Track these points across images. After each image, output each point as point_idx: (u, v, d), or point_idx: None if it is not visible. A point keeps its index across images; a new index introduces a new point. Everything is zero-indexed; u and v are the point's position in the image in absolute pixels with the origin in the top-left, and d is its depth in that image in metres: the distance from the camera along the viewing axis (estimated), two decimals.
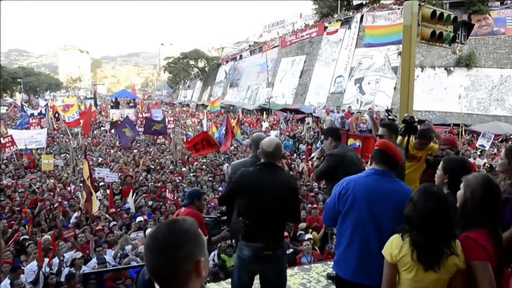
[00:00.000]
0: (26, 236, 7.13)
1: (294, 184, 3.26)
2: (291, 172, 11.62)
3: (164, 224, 1.28)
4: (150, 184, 10.86)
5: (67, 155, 15.75)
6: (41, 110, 24.30)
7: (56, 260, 6.12)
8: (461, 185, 2.27)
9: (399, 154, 2.75)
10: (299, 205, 3.34)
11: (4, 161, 14.54)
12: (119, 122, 20.31)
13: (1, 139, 14.43)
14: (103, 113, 36.09)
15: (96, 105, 39.73)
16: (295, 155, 15.40)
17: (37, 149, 15.69)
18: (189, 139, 19.73)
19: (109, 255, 6.42)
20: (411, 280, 2.11)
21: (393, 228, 2.42)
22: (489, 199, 2.13)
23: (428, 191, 2.15)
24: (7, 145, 14.24)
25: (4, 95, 63.72)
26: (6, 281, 5.38)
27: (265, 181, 2.99)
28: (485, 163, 12.84)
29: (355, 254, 2.59)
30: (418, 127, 4.48)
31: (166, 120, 21.88)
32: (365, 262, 2.55)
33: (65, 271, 5.87)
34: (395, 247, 2.14)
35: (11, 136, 14.58)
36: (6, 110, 38.28)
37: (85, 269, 5.88)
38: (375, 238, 2.52)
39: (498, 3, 26.01)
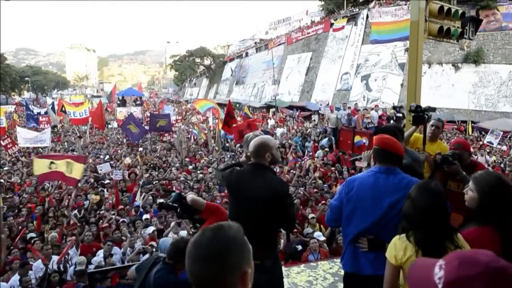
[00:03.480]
0: (33, 234, 7.20)
1: (282, 189, 2.82)
2: (297, 171, 11.56)
3: (208, 230, 1.18)
4: (155, 182, 10.90)
5: (74, 153, 15.91)
6: (47, 109, 24.50)
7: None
8: (470, 183, 2.23)
9: (400, 148, 2.69)
10: (291, 211, 2.90)
11: (13, 159, 14.70)
12: (123, 121, 20.31)
13: (1, 141, 14.63)
14: (109, 110, 36.28)
15: (110, 101, 39.51)
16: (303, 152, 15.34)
17: (44, 147, 15.86)
18: (194, 137, 19.85)
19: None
20: None
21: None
22: (499, 198, 2.10)
23: (426, 187, 2.11)
24: (8, 146, 14.47)
25: (13, 93, 64.33)
26: (16, 277, 5.45)
27: (248, 182, 2.78)
28: (494, 160, 12.73)
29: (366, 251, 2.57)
30: (428, 115, 4.27)
31: (173, 118, 21.89)
32: (377, 255, 2.53)
33: (71, 270, 5.92)
34: (399, 249, 2.07)
35: (9, 137, 14.82)
36: (15, 108, 38.63)
37: (90, 267, 5.93)
38: (380, 234, 2.51)
39: None
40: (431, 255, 1.97)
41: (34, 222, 7.95)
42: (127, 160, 12.13)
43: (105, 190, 10.06)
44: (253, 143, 2.87)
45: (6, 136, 15.53)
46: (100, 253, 6.39)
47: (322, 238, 6.53)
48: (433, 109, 4.40)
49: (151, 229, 7.07)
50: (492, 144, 14.80)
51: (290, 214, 2.88)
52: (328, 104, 26.67)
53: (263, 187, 2.72)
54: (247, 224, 2.63)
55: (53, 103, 24.98)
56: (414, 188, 2.14)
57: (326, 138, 15.13)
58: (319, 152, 13.71)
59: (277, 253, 3.01)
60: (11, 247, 6.42)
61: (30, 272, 5.64)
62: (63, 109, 25.58)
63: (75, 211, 8.36)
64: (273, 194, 2.72)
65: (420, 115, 4.15)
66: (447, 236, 2.01)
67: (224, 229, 1.17)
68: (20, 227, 7.46)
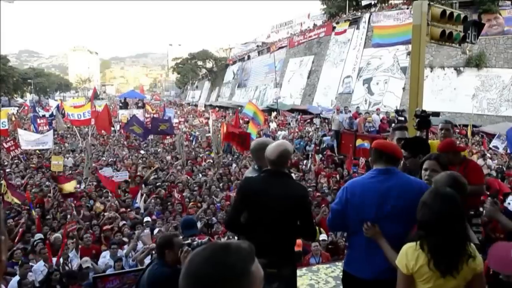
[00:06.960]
0: (40, 235, 7.20)
1: (303, 195, 2.83)
2: (299, 173, 11.59)
3: (209, 248, 1.04)
4: (157, 183, 10.91)
5: (77, 154, 15.99)
6: (52, 112, 24.51)
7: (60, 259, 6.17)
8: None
9: (397, 149, 2.71)
10: (311, 219, 2.87)
11: (15, 161, 14.73)
12: (126, 123, 20.32)
13: (4, 143, 14.66)
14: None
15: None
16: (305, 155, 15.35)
17: (45, 150, 15.96)
18: (197, 139, 19.84)
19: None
20: None
21: (411, 221, 2.33)
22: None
23: (442, 193, 2.08)
24: (11, 148, 14.48)
25: (15, 95, 64.53)
26: (16, 278, 5.44)
27: (268, 190, 2.71)
28: (495, 165, 12.71)
29: (380, 255, 2.48)
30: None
31: (175, 120, 21.91)
32: (377, 259, 2.49)
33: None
34: (410, 258, 2.04)
35: (13, 139, 14.86)
36: (17, 110, 38.69)
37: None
38: (395, 236, 2.43)
39: (509, 2, 25.70)
40: (444, 263, 1.95)
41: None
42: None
43: (109, 192, 10.07)
44: (276, 150, 2.76)
45: (9, 138, 15.57)
46: (106, 254, 6.39)
47: (324, 236, 6.51)
48: (437, 114, 4.46)
49: (147, 231, 7.07)
50: (498, 148, 14.75)
51: (310, 222, 2.85)
52: (334, 106, 26.56)
53: (286, 194, 2.70)
54: (265, 233, 2.68)
55: (58, 106, 24.95)
56: (429, 195, 2.11)
57: (329, 137, 15.15)
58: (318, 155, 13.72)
59: (294, 261, 2.96)
60: (14, 249, 6.43)
61: (30, 274, 5.64)
62: (63, 112, 25.64)
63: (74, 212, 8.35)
64: (297, 200, 2.72)
65: (428, 119, 4.18)
66: (461, 244, 1.99)
67: (225, 253, 1.02)
68: (20, 229, 7.46)
